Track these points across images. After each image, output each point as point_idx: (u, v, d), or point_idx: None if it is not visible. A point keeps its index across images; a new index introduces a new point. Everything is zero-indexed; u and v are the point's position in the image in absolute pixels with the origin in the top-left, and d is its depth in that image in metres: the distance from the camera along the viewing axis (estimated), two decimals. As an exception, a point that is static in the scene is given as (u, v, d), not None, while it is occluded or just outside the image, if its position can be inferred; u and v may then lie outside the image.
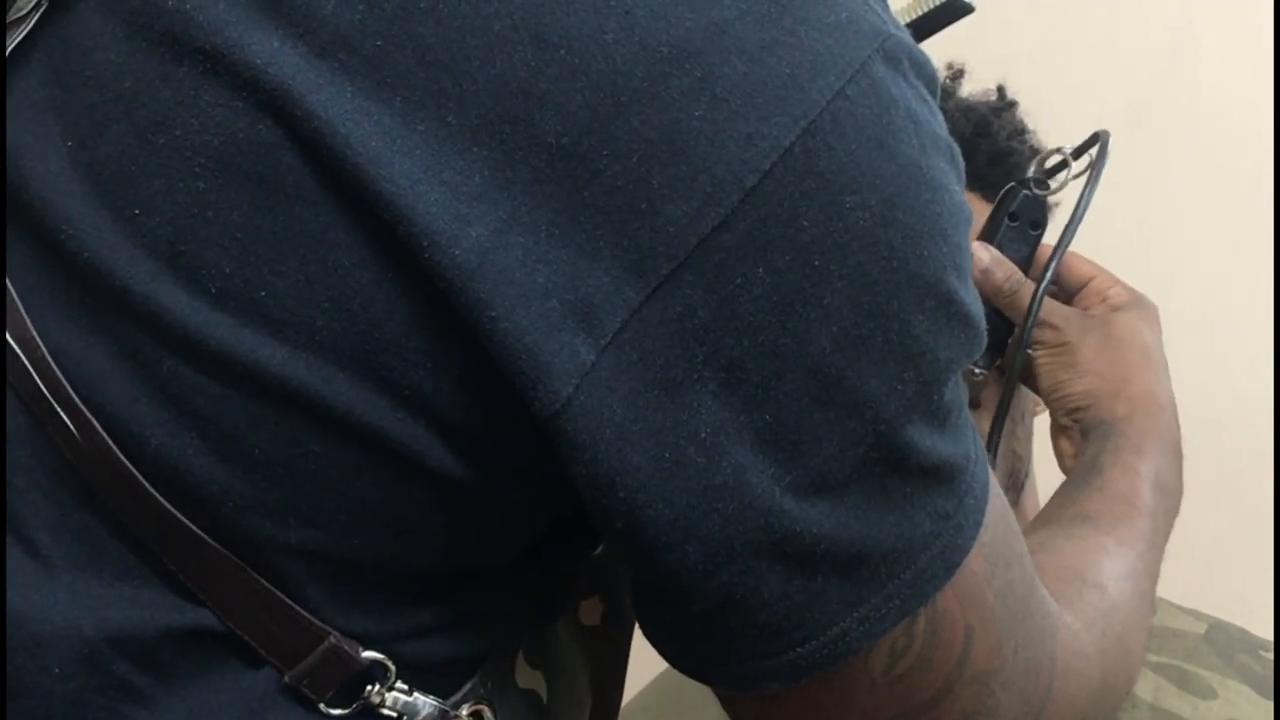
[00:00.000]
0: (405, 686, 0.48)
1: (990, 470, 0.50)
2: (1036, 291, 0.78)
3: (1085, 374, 0.78)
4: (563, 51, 0.41)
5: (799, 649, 0.47)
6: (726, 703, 0.53)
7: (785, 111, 0.41)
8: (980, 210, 0.95)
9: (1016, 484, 0.91)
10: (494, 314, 0.41)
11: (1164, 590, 0.84)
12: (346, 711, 0.47)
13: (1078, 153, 0.83)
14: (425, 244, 0.41)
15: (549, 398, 0.41)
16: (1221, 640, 0.94)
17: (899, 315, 0.44)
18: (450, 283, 0.41)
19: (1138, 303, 0.81)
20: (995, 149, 0.95)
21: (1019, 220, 0.83)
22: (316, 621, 0.46)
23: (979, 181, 0.95)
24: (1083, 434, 0.77)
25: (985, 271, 0.80)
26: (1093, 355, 0.78)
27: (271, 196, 0.42)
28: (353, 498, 0.44)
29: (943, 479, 0.47)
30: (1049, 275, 0.79)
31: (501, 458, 0.45)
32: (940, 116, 0.46)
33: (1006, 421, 0.89)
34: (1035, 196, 0.83)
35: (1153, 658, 0.89)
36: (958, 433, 0.48)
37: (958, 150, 0.46)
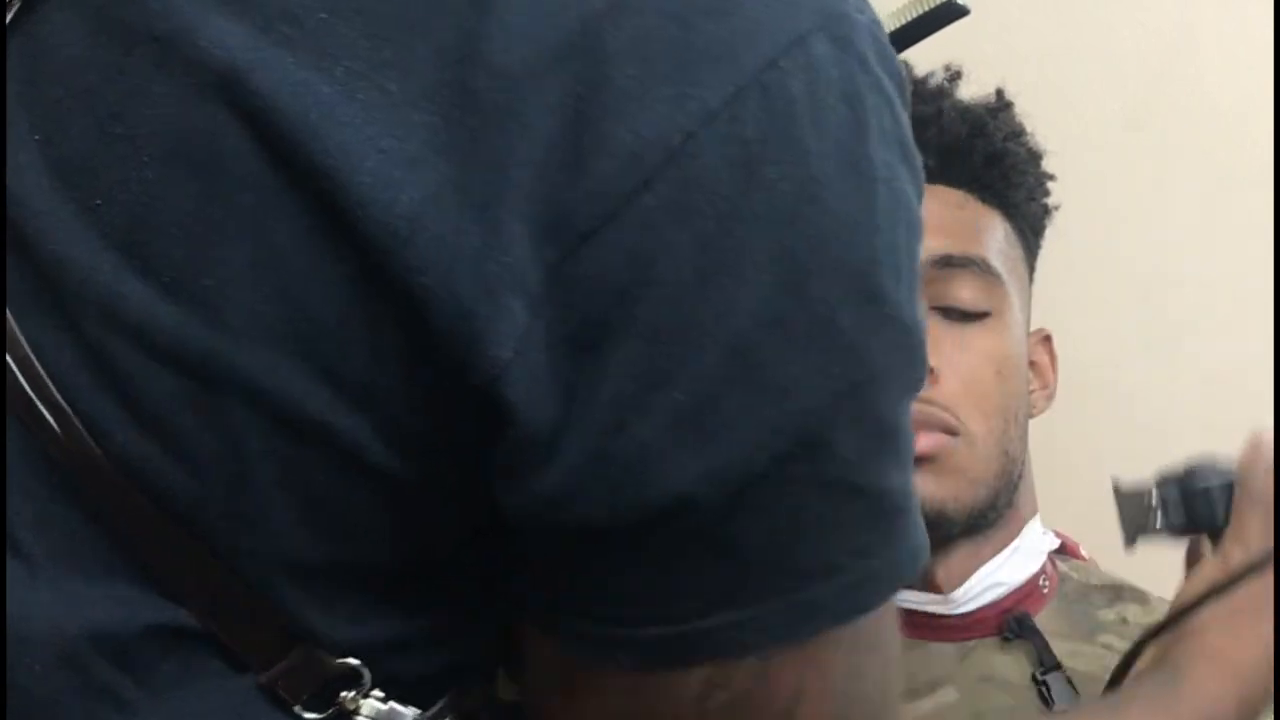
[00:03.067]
0: (382, 694, 0.47)
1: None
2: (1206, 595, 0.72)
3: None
4: (501, 12, 0.41)
5: (647, 628, 0.44)
6: (538, 682, 0.50)
7: (716, 76, 0.41)
8: (983, 213, 0.94)
9: (1010, 484, 0.91)
10: (425, 280, 0.40)
11: (1164, 589, 0.84)
12: (322, 716, 0.47)
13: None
14: (360, 214, 0.40)
15: (489, 364, 0.41)
16: (1220, 641, 0.94)
17: (822, 299, 0.42)
18: (384, 252, 0.40)
19: None
20: (991, 150, 0.94)
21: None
22: (288, 623, 0.45)
23: (975, 183, 0.94)
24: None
25: None
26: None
27: (218, 184, 0.42)
28: (296, 496, 0.44)
29: (872, 510, 0.44)
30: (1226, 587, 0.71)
31: (442, 448, 0.44)
32: (903, 116, 0.45)
33: (999, 421, 0.89)
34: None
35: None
36: (902, 469, 0.45)
37: (916, 154, 0.45)
